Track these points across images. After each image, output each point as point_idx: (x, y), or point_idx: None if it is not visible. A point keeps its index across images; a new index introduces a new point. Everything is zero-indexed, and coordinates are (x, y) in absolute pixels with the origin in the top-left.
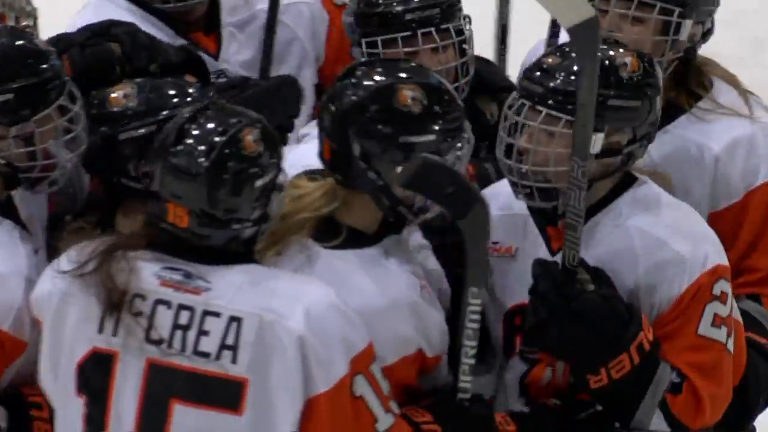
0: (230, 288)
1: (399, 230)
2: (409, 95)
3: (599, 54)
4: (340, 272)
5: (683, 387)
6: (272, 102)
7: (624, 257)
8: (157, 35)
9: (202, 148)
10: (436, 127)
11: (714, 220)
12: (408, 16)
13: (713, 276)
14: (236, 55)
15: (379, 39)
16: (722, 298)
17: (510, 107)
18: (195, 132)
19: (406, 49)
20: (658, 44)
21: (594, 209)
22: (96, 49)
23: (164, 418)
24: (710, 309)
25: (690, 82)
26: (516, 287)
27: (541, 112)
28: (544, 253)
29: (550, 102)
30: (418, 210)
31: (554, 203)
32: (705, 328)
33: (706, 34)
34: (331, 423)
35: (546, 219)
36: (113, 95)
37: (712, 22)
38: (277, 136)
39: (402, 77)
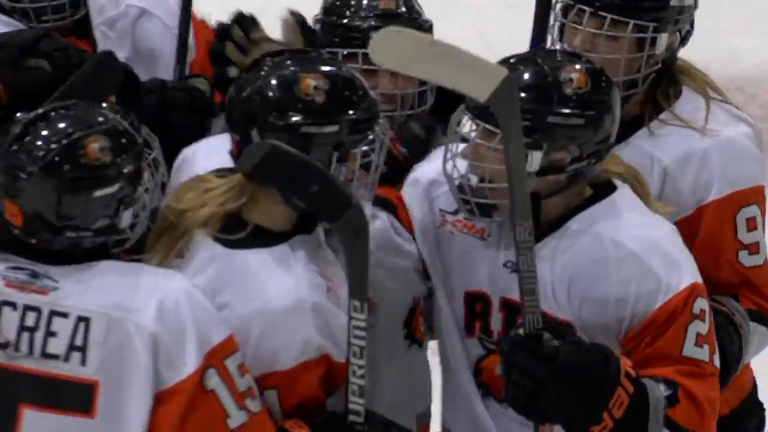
0: (79, 287)
1: (310, 230)
2: (311, 84)
3: (545, 67)
4: (241, 270)
5: (679, 395)
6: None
7: (596, 266)
8: None
9: (41, 148)
10: (341, 118)
11: None
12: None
13: (691, 295)
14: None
15: (340, 51)
16: (701, 316)
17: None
18: (41, 132)
19: (365, 67)
20: (633, 60)
21: (550, 227)
22: (31, 71)
23: (13, 423)
24: (692, 329)
25: (657, 93)
26: (479, 273)
27: (479, 126)
28: (512, 250)
29: (487, 116)
30: None
31: (496, 220)
32: (689, 349)
33: (685, 38)
34: (180, 417)
35: None
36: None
37: (692, 24)
38: (137, 149)
39: (307, 66)
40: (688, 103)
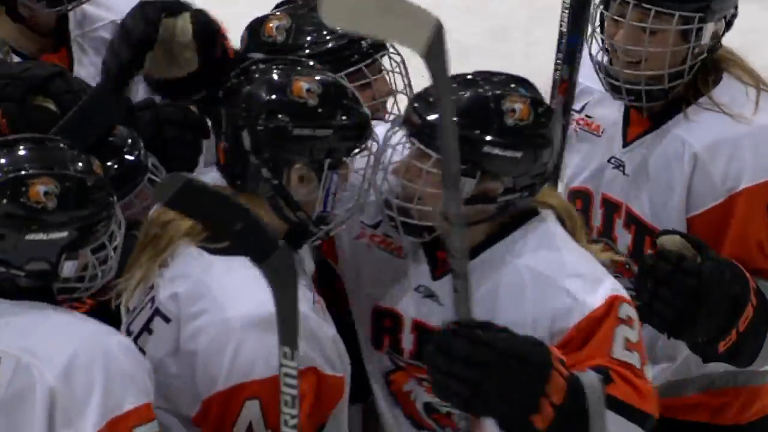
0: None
1: (299, 245)
2: (304, 86)
3: (488, 93)
4: (222, 277)
5: (611, 375)
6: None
7: (512, 292)
8: None
9: None
10: (334, 123)
11: (696, 222)
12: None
13: (612, 305)
14: (89, 67)
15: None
16: (629, 323)
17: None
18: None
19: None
20: (678, 53)
21: (474, 252)
22: (36, 109)
23: None
24: (620, 333)
25: (697, 79)
26: (391, 291)
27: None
28: (425, 275)
29: (423, 136)
30: (318, 219)
31: (421, 239)
32: (618, 352)
33: (730, 22)
34: None
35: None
36: None
37: (736, 8)
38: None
39: (299, 71)
40: (727, 89)
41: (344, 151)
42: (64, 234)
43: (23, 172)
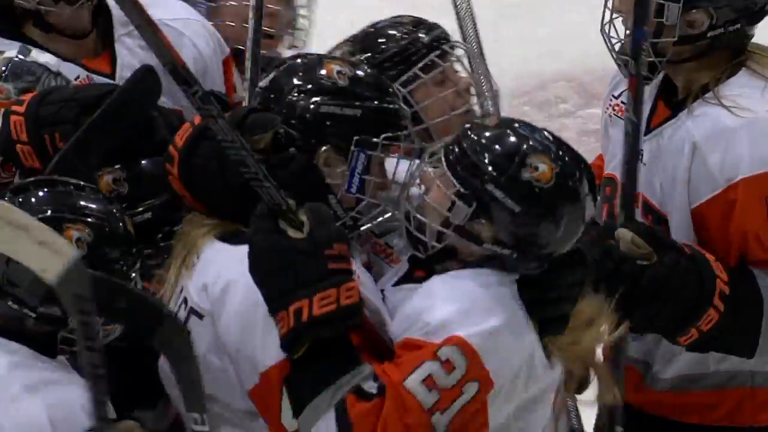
0: None
1: None
2: (335, 69)
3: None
4: (240, 255)
5: (382, 393)
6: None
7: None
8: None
9: None
10: (363, 105)
11: (699, 213)
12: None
13: (446, 342)
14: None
15: None
16: (446, 367)
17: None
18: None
19: None
20: (657, 29)
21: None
22: None
23: None
24: (427, 366)
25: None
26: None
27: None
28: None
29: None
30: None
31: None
32: (413, 383)
33: (728, 24)
34: None
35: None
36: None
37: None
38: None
39: (333, 58)
40: (738, 83)
41: (373, 132)
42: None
43: (61, 215)
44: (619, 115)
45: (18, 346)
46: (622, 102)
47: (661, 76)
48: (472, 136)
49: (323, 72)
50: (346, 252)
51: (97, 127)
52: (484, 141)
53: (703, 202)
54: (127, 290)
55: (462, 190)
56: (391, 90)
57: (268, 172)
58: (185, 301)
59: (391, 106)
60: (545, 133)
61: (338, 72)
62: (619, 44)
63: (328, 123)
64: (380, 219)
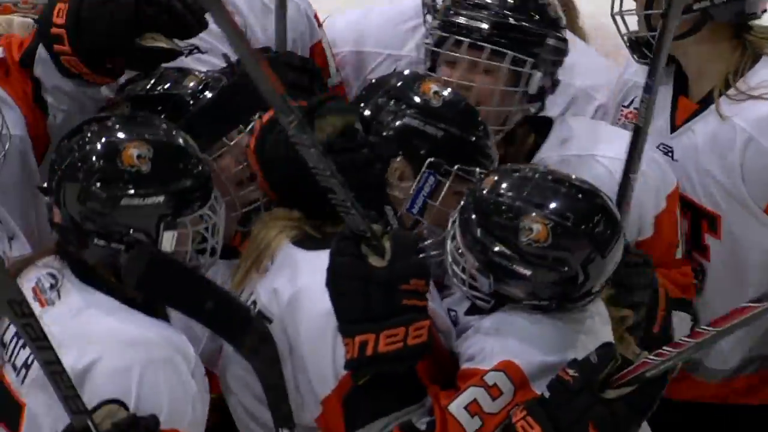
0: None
1: None
2: (432, 87)
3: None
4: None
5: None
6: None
7: None
8: None
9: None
10: (449, 129)
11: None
12: None
13: (495, 367)
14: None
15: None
16: (492, 392)
17: None
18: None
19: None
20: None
21: None
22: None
23: None
24: (472, 392)
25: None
26: None
27: None
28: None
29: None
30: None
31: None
32: (457, 408)
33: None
34: None
35: None
36: None
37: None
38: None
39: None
40: (765, 70)
41: (449, 159)
42: (161, 199)
43: (114, 139)
44: (634, 122)
45: None
46: (634, 108)
47: (673, 76)
48: (473, 205)
49: (420, 87)
50: (423, 288)
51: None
52: (483, 211)
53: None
54: (215, 290)
55: (477, 264)
56: (483, 126)
57: (331, 156)
58: (254, 303)
59: (473, 139)
60: (541, 179)
61: (434, 92)
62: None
63: (407, 135)
64: (433, 253)
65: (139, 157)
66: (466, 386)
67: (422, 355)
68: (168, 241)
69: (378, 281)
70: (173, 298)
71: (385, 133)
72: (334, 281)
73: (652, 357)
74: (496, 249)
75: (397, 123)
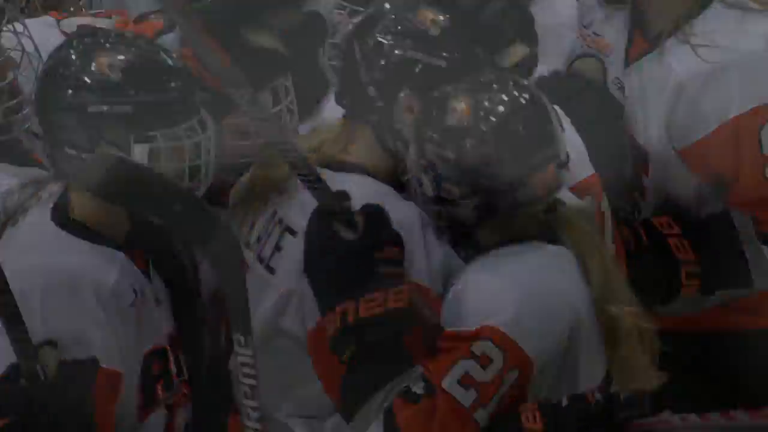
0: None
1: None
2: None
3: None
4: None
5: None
6: None
7: None
8: None
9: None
10: (452, 56)
11: (689, 155)
12: None
13: (476, 333)
14: None
15: None
16: (482, 361)
17: None
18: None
19: None
20: None
21: None
22: None
23: None
24: (463, 365)
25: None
26: None
27: None
28: None
29: None
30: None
31: None
32: (450, 384)
33: None
34: None
35: None
36: None
37: None
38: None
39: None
40: (713, 16)
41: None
42: (127, 109)
43: (90, 47)
44: (593, 46)
45: None
46: (594, 32)
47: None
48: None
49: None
50: (399, 256)
51: None
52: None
53: (691, 145)
54: (186, 195)
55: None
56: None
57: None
58: (280, 221)
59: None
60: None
61: (431, 20)
62: None
63: (412, 68)
64: None
65: (110, 66)
66: (455, 358)
67: (405, 321)
68: (140, 154)
69: (351, 251)
70: (138, 201)
71: (387, 69)
72: (309, 261)
73: (675, 418)
74: (428, 135)
75: (401, 57)
